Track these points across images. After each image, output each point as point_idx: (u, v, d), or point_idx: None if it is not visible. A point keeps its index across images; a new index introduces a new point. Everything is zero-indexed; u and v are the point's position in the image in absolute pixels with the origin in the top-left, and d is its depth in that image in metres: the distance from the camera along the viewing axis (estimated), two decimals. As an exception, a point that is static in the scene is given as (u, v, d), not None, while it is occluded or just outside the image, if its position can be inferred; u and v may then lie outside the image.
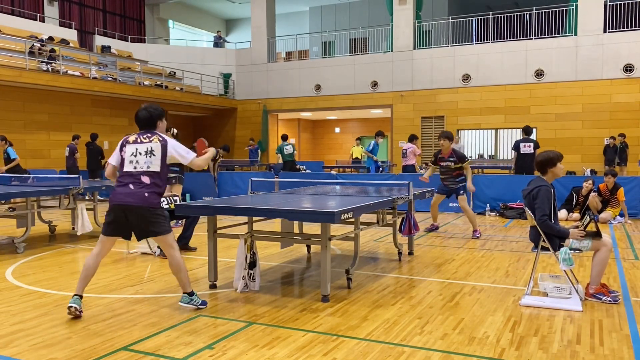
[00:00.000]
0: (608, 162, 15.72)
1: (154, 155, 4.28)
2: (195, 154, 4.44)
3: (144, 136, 4.37)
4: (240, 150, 23.40)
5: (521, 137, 12.55)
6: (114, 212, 4.28)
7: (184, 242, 7.21)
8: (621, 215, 10.08)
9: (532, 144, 12.03)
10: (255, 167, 20.33)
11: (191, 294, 4.51)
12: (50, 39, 18.62)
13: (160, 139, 4.36)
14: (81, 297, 4.36)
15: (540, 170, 4.94)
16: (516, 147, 12.21)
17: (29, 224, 7.57)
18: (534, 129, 18.20)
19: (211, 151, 4.73)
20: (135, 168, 4.28)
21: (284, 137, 16.56)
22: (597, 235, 4.75)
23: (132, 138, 4.38)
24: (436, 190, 8.46)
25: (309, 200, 5.84)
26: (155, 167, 4.28)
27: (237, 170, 19.14)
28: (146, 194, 4.22)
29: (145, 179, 4.25)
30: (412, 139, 13.42)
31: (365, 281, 5.55)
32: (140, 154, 4.29)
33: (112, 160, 4.43)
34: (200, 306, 4.52)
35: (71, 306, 4.27)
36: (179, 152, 4.36)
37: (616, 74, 17.10)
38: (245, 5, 26.84)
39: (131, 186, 4.23)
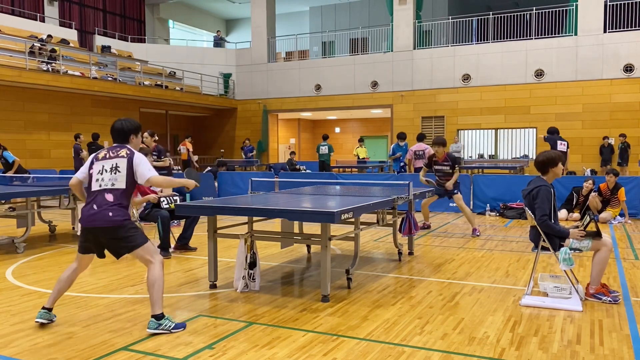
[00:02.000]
0: (604, 163, 15.72)
1: (119, 171, 4.04)
2: (155, 173, 4.12)
3: (113, 151, 4.15)
4: (240, 151, 23.40)
5: (551, 135, 11.56)
6: (84, 233, 4.11)
7: (183, 242, 7.22)
8: (621, 215, 10.08)
9: (566, 143, 11.40)
10: (254, 167, 20.31)
11: (160, 317, 4.00)
12: (49, 36, 18.58)
13: (128, 152, 4.11)
14: (50, 310, 4.18)
15: (541, 170, 4.93)
16: (552, 144, 11.35)
17: (29, 224, 7.57)
18: (535, 129, 18.25)
19: (175, 183, 4.60)
20: (100, 186, 4.05)
21: (325, 137, 16.53)
22: (597, 235, 4.75)
23: (101, 154, 4.17)
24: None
25: (309, 200, 5.84)
26: (120, 184, 4.03)
27: (238, 170, 19.14)
28: (110, 214, 3.94)
29: (109, 197, 3.99)
30: (421, 138, 12.67)
31: (365, 281, 5.55)
32: (105, 171, 4.07)
33: (79, 174, 4.24)
34: (173, 330, 4.00)
35: (37, 321, 4.12)
36: (140, 169, 4.07)
37: (616, 74, 17.11)
38: (245, 5, 26.85)
39: (94, 206, 3.99)
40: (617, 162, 15.64)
